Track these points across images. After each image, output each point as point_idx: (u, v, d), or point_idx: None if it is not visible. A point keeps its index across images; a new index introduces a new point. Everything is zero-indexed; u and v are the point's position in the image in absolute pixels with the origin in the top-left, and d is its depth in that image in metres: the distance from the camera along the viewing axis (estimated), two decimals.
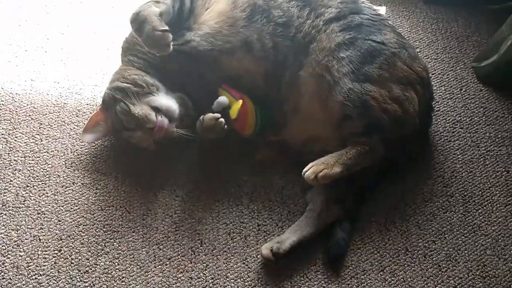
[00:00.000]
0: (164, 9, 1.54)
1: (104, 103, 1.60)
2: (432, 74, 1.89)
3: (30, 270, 1.47)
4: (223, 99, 1.57)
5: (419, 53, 1.94)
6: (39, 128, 1.72)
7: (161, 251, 1.53)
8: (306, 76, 1.56)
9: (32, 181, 1.62)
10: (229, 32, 1.58)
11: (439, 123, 1.80)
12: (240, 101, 1.56)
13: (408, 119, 1.53)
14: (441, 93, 1.86)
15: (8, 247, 1.51)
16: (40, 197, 1.60)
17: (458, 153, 1.75)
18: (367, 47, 1.52)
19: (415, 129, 1.57)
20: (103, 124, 1.61)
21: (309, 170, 1.46)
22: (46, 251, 1.51)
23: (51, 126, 1.73)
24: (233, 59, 1.60)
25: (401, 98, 1.52)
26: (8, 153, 1.67)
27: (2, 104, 1.76)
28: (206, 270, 1.50)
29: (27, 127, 1.72)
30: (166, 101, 1.57)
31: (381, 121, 1.50)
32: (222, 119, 1.52)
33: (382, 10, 2.04)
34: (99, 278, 1.48)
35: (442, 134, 1.77)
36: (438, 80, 1.89)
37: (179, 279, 1.49)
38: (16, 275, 1.46)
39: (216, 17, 1.60)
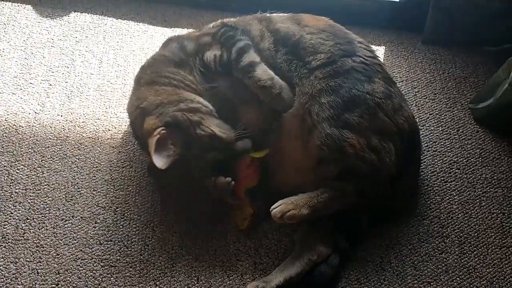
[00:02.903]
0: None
1: (173, 125, 1.50)
2: (430, 115, 1.91)
3: None
4: (248, 141, 1.60)
5: (416, 93, 1.98)
6: (41, 160, 1.75)
7: (157, 287, 1.54)
8: (289, 117, 1.59)
9: (32, 213, 1.64)
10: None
11: (436, 163, 1.82)
12: (267, 150, 1.60)
13: (384, 169, 1.54)
14: (438, 134, 1.88)
15: (6, 279, 1.52)
16: (39, 230, 1.61)
17: (455, 194, 1.76)
18: (351, 96, 1.54)
19: (391, 178, 1.57)
20: (175, 148, 1.49)
21: (277, 208, 1.47)
22: (43, 284, 1.52)
23: (53, 159, 1.75)
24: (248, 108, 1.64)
25: (378, 148, 1.53)
26: (10, 185, 1.69)
27: (5, 136, 1.79)
28: None
29: (29, 159, 1.74)
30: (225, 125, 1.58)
31: (357, 168, 1.51)
32: (233, 183, 1.55)
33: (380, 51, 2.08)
34: None
35: (439, 174, 1.79)
36: (435, 121, 1.92)
37: None
38: None
39: None
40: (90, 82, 1.95)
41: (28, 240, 1.59)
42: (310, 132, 1.54)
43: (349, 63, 1.59)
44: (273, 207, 1.48)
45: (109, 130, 1.83)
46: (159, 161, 1.42)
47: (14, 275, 1.53)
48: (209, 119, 1.53)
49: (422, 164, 1.79)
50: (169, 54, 1.67)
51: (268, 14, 1.77)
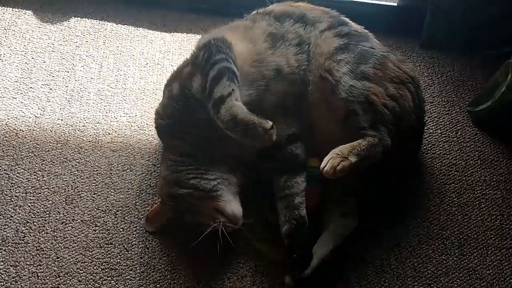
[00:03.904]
0: (237, 93, 1.46)
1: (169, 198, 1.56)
2: (428, 117, 1.92)
3: None
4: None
5: None
6: (41, 164, 1.75)
7: None
8: (313, 80, 1.65)
9: (32, 217, 1.64)
10: (261, 67, 1.61)
11: (435, 166, 1.83)
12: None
13: (405, 115, 1.62)
14: (437, 136, 1.89)
15: (6, 283, 1.52)
16: (39, 233, 1.61)
17: (454, 196, 1.77)
18: (360, 50, 1.65)
19: (412, 126, 1.65)
20: (165, 214, 1.60)
21: (327, 164, 1.48)
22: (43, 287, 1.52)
23: (53, 162, 1.76)
24: (272, 93, 1.62)
25: (396, 96, 1.61)
26: (10, 189, 1.69)
27: (6, 140, 1.79)
28: None
29: (29, 163, 1.75)
30: (236, 206, 1.55)
31: (384, 115, 1.58)
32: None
33: None
34: None
35: (438, 177, 1.80)
36: (434, 124, 1.93)
37: None
38: None
39: (245, 60, 1.59)
40: (90, 87, 1.95)
41: (28, 243, 1.59)
42: (333, 90, 1.59)
43: (346, 29, 1.72)
44: (322, 165, 1.49)
45: (109, 134, 1.83)
46: (149, 227, 1.63)
47: (14, 279, 1.53)
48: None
49: (421, 167, 1.80)
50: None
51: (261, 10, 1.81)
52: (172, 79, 1.66)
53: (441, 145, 1.88)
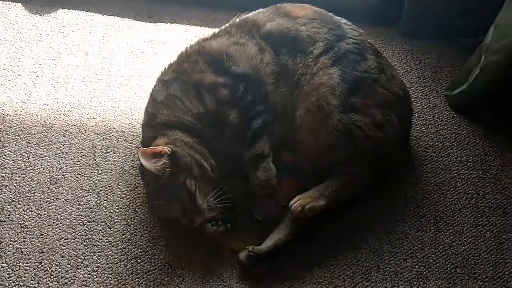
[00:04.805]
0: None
1: (175, 159, 1.54)
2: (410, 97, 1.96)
3: (11, 281, 1.52)
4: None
5: None
6: (27, 146, 1.80)
7: (139, 265, 1.57)
8: (303, 112, 1.64)
9: (17, 196, 1.68)
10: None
11: (413, 147, 1.87)
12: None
13: (389, 142, 1.65)
14: (414, 120, 1.93)
15: None
16: (24, 211, 1.65)
17: (430, 176, 1.81)
18: (353, 79, 1.63)
19: (397, 145, 1.70)
20: (162, 161, 1.52)
21: (297, 202, 1.54)
22: (27, 263, 1.56)
23: (39, 145, 1.80)
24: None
25: (382, 123, 1.63)
26: None
27: None
28: (182, 284, 1.54)
29: (15, 145, 1.79)
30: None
31: (365, 150, 1.61)
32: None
33: None
34: None
35: (415, 158, 1.84)
36: (412, 108, 1.97)
37: None
38: None
39: None
40: (76, 74, 2.00)
41: (13, 221, 1.63)
42: (323, 123, 1.61)
43: (344, 46, 1.69)
44: (292, 202, 1.55)
45: (94, 118, 1.88)
46: (147, 162, 1.49)
47: None
48: (203, 183, 1.56)
49: None
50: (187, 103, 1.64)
51: (250, 17, 1.77)
52: (200, 82, 1.66)
53: (418, 128, 1.92)
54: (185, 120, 1.61)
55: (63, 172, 1.75)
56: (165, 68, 1.74)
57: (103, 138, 1.83)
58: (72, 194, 1.70)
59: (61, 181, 1.72)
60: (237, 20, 1.77)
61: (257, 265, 1.54)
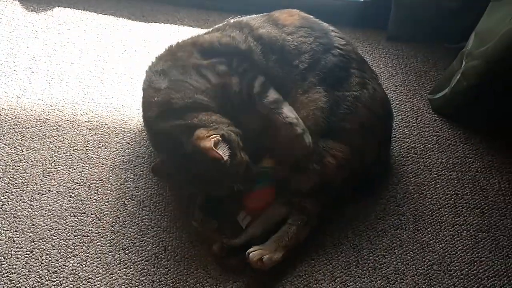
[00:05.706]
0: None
1: (226, 140, 1.55)
2: (391, 105, 2.02)
3: (2, 269, 1.58)
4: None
5: None
6: (21, 140, 1.85)
7: (126, 255, 1.63)
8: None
9: (11, 187, 1.74)
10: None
11: (394, 148, 1.92)
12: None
13: (364, 167, 1.69)
14: (397, 122, 1.99)
15: None
16: (17, 202, 1.71)
17: (411, 176, 1.86)
18: (334, 99, 1.65)
19: (373, 163, 1.73)
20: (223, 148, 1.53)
21: (255, 252, 1.56)
22: (19, 251, 1.61)
23: (32, 139, 1.86)
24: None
25: (361, 148, 1.66)
26: None
27: None
28: (167, 274, 1.60)
29: (10, 139, 1.85)
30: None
31: (331, 181, 1.64)
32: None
33: None
34: (67, 278, 1.58)
35: (397, 158, 1.90)
36: (395, 110, 2.02)
37: (142, 282, 1.59)
38: None
39: None
40: (70, 70, 2.06)
41: (6, 211, 1.69)
42: (297, 140, 1.61)
43: (330, 59, 1.69)
44: (250, 250, 1.57)
45: (87, 113, 1.94)
46: (216, 154, 1.49)
47: None
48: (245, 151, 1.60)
49: None
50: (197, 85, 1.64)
51: (245, 20, 1.78)
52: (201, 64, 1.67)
53: (401, 130, 1.98)
54: (199, 99, 1.60)
55: (55, 165, 1.80)
56: (153, 61, 1.74)
57: (95, 133, 1.88)
58: (63, 186, 1.76)
59: (53, 174, 1.78)
60: (232, 21, 1.80)
61: (229, 256, 1.60)
